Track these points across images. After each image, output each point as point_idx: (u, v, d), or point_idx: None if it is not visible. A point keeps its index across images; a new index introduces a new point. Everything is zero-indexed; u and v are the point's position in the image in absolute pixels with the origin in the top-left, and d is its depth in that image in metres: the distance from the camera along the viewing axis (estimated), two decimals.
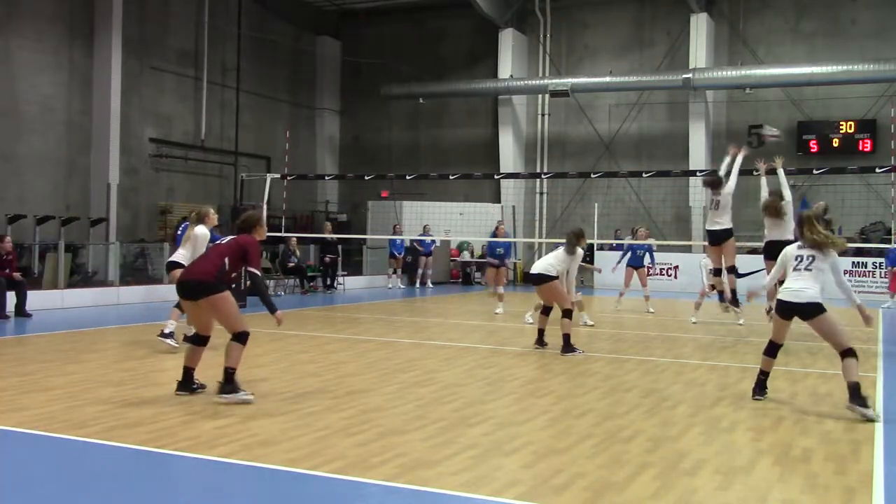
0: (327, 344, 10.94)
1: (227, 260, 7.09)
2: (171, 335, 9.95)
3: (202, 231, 9.97)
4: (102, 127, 20.39)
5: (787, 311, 7.21)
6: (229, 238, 7.37)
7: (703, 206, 23.62)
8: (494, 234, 16.78)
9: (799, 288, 7.15)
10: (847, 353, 7.00)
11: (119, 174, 20.69)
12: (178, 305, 9.67)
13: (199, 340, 7.30)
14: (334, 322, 14.01)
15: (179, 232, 14.26)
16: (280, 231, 19.44)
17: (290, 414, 6.59)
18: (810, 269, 7.20)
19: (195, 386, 7.27)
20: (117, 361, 9.23)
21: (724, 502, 4.69)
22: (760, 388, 7.58)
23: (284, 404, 6.96)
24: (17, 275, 13.55)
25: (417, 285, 23.00)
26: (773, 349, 7.50)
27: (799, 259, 7.29)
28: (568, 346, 10.20)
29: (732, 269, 11.63)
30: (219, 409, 6.72)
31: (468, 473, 5.06)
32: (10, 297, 13.36)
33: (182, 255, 9.89)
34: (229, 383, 6.95)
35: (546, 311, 10.72)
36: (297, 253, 20.47)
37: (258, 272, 7.31)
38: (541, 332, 10.64)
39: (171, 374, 8.32)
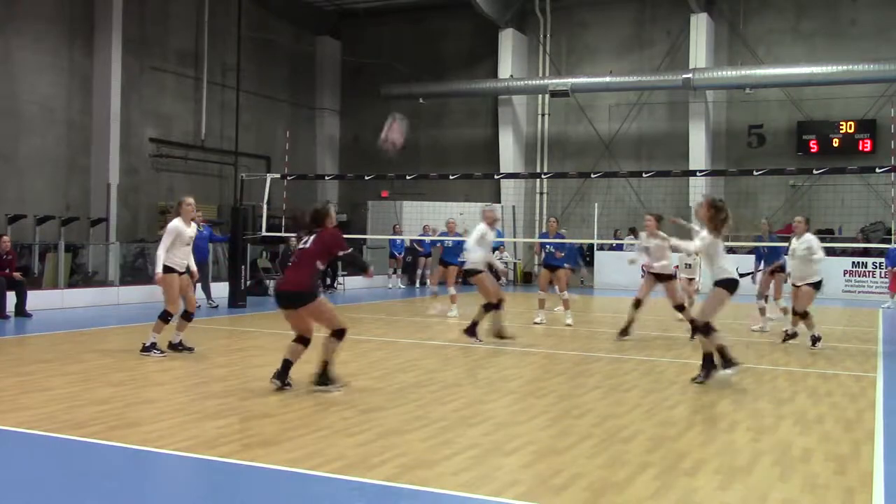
0: None
1: (318, 263, 7.57)
2: (153, 346, 9.53)
3: (173, 226, 9.59)
4: (102, 127, 20.38)
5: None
6: (312, 238, 7.61)
7: None
8: (446, 232, 16.32)
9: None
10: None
11: (119, 174, 20.68)
12: (163, 317, 9.57)
13: (303, 341, 7.63)
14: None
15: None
16: (280, 231, 19.43)
17: (290, 414, 6.59)
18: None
19: (288, 382, 7.52)
20: (117, 361, 9.23)
21: (724, 502, 4.69)
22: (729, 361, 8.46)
23: (284, 404, 6.96)
24: (17, 275, 13.56)
25: (417, 285, 22.99)
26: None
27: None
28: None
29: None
30: (219, 409, 6.72)
31: (468, 473, 5.06)
32: (10, 297, 13.37)
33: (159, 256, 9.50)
34: (324, 375, 7.48)
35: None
36: None
37: (348, 251, 7.76)
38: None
39: (172, 374, 8.34)
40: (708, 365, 8.39)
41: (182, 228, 9.65)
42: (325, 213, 7.72)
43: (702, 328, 8.37)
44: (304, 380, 8.18)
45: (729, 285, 8.35)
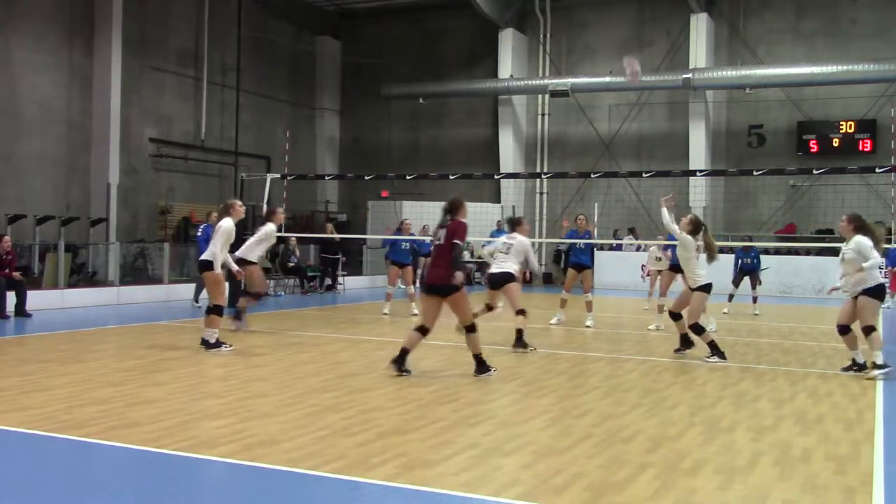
0: (327, 344, 10.94)
1: (451, 253, 8.32)
2: (218, 343, 9.91)
3: (228, 224, 10.15)
4: (102, 127, 20.38)
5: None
6: (443, 233, 8.45)
7: (703, 205, 23.66)
8: (399, 230, 15.98)
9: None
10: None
11: (119, 174, 20.69)
12: (216, 312, 9.96)
13: (423, 331, 8.42)
14: (334, 322, 14.01)
15: (199, 233, 14.97)
16: (280, 231, 19.40)
17: (290, 414, 6.59)
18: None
19: (407, 369, 8.36)
20: (117, 361, 9.23)
21: (724, 502, 4.69)
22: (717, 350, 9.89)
23: (284, 404, 6.96)
24: (17, 275, 13.55)
25: (417, 285, 22.97)
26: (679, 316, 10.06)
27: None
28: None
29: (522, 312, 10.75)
30: (219, 409, 6.72)
31: (468, 473, 5.06)
32: (10, 297, 13.36)
33: (211, 254, 10.01)
34: (481, 365, 8.45)
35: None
36: (297, 253, 20.46)
37: (461, 243, 8.44)
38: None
39: (172, 374, 8.33)
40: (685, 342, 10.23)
41: (233, 228, 10.25)
42: (458, 205, 8.61)
43: (693, 329, 9.97)
44: (304, 380, 8.17)
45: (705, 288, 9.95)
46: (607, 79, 24.55)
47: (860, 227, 9.22)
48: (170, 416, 6.41)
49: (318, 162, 28.58)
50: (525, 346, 10.48)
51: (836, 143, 22.77)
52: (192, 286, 18.02)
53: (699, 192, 23.51)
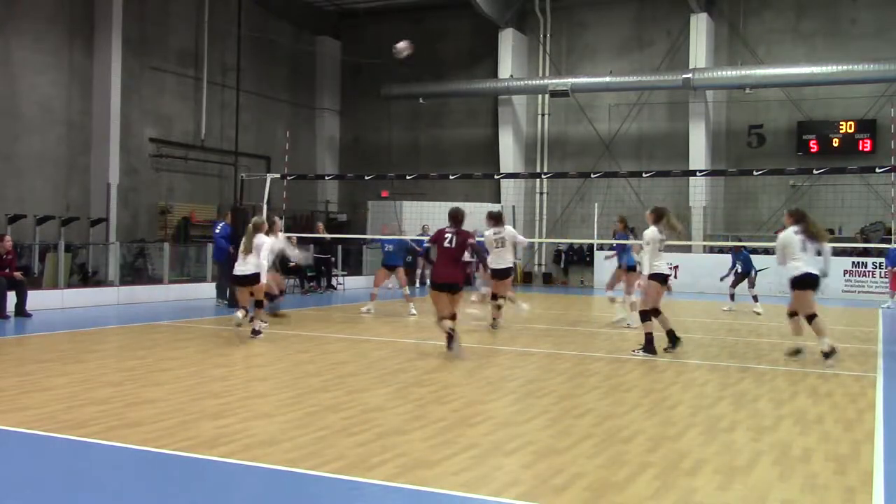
0: (327, 344, 10.94)
1: (465, 258, 9.98)
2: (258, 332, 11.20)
3: (274, 242, 11.86)
4: (102, 127, 20.39)
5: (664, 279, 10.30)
6: (456, 239, 9.80)
7: (703, 205, 23.67)
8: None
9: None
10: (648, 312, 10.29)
11: (119, 174, 20.69)
12: (259, 305, 11.35)
13: (453, 317, 9.83)
14: (334, 322, 14.01)
15: (218, 231, 16.11)
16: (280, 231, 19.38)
17: (290, 414, 6.59)
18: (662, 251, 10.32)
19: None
20: (117, 361, 9.24)
21: (724, 502, 4.69)
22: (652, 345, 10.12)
23: (284, 404, 6.96)
24: (17, 274, 13.55)
25: (417, 285, 22.97)
26: (657, 312, 10.28)
27: (661, 241, 10.29)
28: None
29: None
30: (219, 408, 6.72)
31: (468, 473, 5.06)
32: (11, 297, 13.36)
33: (258, 266, 11.13)
34: (451, 340, 9.74)
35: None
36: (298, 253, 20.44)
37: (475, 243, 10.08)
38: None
39: (172, 374, 8.33)
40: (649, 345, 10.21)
41: (275, 244, 12.06)
42: (462, 216, 10.02)
43: (651, 313, 10.30)
44: (304, 380, 8.18)
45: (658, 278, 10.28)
46: (607, 79, 24.56)
47: (799, 220, 10.19)
48: (170, 416, 6.41)
49: (318, 162, 28.58)
50: (496, 326, 12.62)
51: (836, 143, 22.77)
52: (192, 286, 18.06)
53: (699, 192, 23.52)
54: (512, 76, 25.55)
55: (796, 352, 10.17)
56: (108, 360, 9.31)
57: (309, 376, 8.38)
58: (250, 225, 11.50)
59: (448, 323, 9.72)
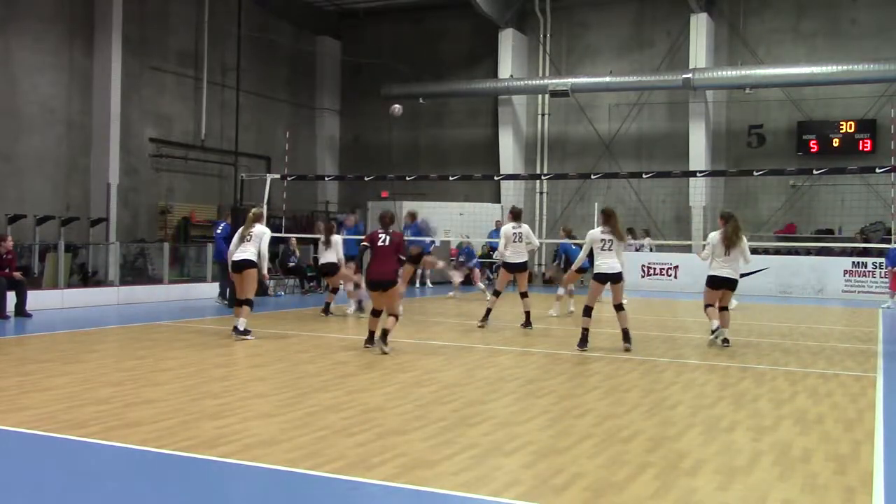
0: (327, 344, 10.94)
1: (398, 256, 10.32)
2: (248, 332, 11.20)
3: (268, 231, 11.90)
4: (102, 127, 20.38)
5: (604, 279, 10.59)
6: (390, 238, 10.26)
7: (703, 206, 23.66)
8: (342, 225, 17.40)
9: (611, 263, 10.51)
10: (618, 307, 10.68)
11: (119, 174, 20.69)
12: (247, 303, 11.37)
13: (377, 314, 10.36)
14: (334, 322, 14.01)
15: (219, 231, 16.20)
16: (280, 231, 19.43)
17: (290, 414, 6.59)
18: (611, 250, 10.53)
19: (386, 350, 9.85)
20: (117, 361, 9.24)
21: (724, 502, 4.69)
22: (584, 341, 10.59)
23: (284, 404, 6.96)
24: (17, 275, 13.55)
25: (417, 285, 22.98)
26: (588, 311, 10.65)
27: (603, 241, 10.57)
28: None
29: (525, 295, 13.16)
30: (219, 408, 6.72)
31: (468, 473, 5.06)
32: (10, 297, 13.36)
33: (252, 252, 11.36)
34: (385, 335, 9.99)
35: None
36: (298, 253, 20.47)
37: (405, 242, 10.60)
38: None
39: (172, 374, 8.33)
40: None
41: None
42: (392, 217, 10.47)
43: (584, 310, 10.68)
44: (304, 380, 8.17)
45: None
46: (607, 79, 24.55)
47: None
48: (170, 416, 6.41)
49: (318, 162, 28.58)
50: (531, 324, 12.91)
51: (836, 143, 22.76)
52: (192, 286, 18.07)
53: (699, 192, 23.52)
54: (512, 76, 25.54)
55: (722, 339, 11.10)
56: (108, 360, 9.31)
57: (309, 376, 8.38)
58: (250, 214, 11.83)
59: (375, 321, 10.32)
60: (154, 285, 17.35)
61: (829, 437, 6.23)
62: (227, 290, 15.73)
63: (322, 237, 14.43)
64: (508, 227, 13.21)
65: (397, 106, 16.14)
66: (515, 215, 13.41)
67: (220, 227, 16.34)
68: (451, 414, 6.70)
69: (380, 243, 10.28)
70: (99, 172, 20.44)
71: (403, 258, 10.65)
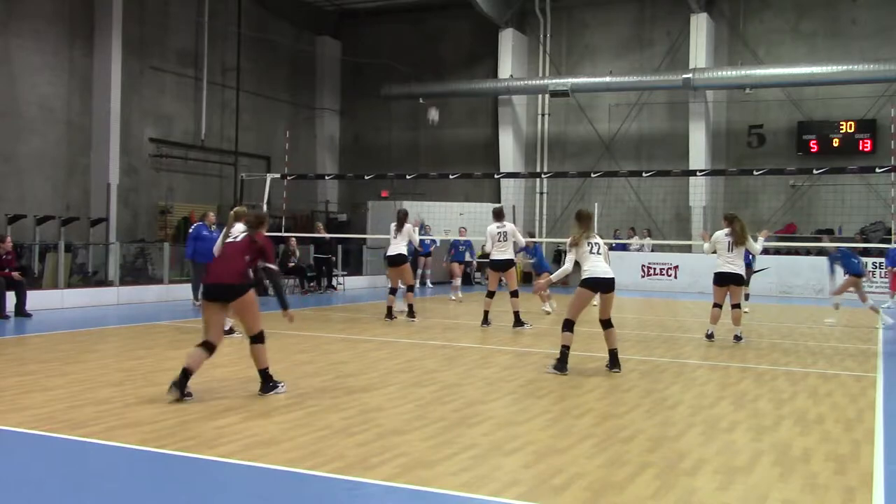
0: (327, 344, 10.94)
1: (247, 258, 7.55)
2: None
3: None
4: (102, 127, 20.39)
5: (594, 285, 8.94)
6: (244, 235, 7.67)
7: (703, 206, 23.66)
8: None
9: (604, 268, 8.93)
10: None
11: (119, 174, 20.69)
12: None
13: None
14: (334, 322, 14.01)
15: (192, 231, 15.40)
16: (280, 231, 19.44)
17: (290, 414, 6.59)
18: (600, 253, 9.01)
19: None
20: (117, 361, 9.23)
21: (724, 502, 4.69)
22: (563, 363, 8.82)
23: (284, 404, 6.96)
24: (16, 275, 13.54)
25: (417, 285, 22.97)
26: (569, 325, 8.94)
27: (590, 245, 8.99)
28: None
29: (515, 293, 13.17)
30: (219, 409, 6.72)
31: (468, 473, 5.06)
32: (10, 297, 13.36)
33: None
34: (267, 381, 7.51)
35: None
36: (297, 253, 20.46)
37: (273, 267, 7.75)
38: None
39: (172, 374, 8.31)
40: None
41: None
42: (264, 219, 7.94)
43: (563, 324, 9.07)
44: (304, 380, 8.17)
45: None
46: (607, 79, 24.55)
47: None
48: (170, 416, 6.41)
49: (318, 162, 28.58)
50: (522, 324, 12.83)
51: (836, 143, 22.76)
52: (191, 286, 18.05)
53: (699, 192, 23.53)
54: (512, 76, 25.54)
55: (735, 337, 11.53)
56: (108, 360, 9.31)
57: (309, 376, 8.38)
58: (231, 213, 10.71)
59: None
60: (154, 285, 17.34)
61: (829, 437, 6.23)
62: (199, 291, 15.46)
63: (394, 224, 13.91)
64: (493, 227, 13.31)
65: (434, 109, 16.32)
66: (497, 214, 13.49)
67: (192, 228, 15.85)
68: (451, 414, 6.70)
69: (229, 239, 7.97)
70: (99, 172, 20.44)
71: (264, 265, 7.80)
